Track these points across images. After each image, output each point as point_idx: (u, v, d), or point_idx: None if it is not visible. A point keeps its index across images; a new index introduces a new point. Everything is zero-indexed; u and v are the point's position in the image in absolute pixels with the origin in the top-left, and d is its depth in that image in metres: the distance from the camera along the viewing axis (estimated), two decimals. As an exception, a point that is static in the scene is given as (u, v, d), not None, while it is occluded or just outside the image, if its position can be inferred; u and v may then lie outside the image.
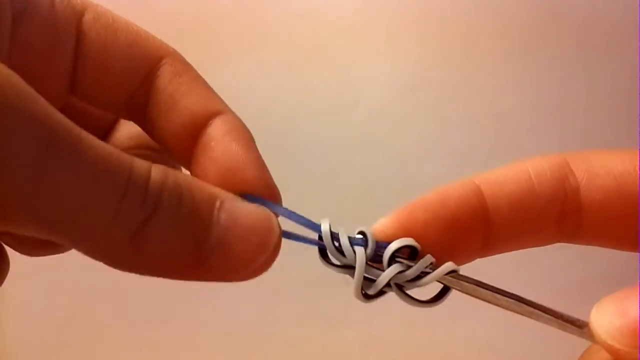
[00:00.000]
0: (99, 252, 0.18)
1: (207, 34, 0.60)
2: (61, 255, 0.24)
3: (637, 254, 0.21)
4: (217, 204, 0.19)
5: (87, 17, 0.22)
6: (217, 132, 0.22)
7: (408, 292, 0.21)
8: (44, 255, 0.24)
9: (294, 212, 0.21)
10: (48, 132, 0.16)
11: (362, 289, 0.21)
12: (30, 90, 0.16)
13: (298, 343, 0.60)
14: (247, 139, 0.22)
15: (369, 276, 0.21)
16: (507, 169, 0.22)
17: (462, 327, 0.60)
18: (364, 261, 0.20)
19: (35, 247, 0.23)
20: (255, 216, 0.19)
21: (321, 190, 0.57)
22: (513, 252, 0.22)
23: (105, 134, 0.25)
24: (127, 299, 0.60)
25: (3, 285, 0.22)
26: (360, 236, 0.21)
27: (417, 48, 0.61)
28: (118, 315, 0.61)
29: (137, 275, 0.20)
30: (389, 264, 0.20)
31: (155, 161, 0.19)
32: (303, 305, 0.58)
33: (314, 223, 0.21)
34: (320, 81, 0.60)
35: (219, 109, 0.22)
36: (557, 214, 0.21)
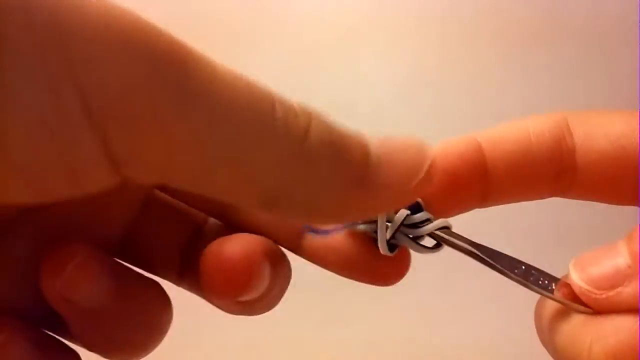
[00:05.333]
0: (270, 187, 0.16)
1: (207, 35, 0.60)
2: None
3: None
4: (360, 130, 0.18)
5: None
6: None
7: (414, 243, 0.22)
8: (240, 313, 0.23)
9: None
10: (175, 40, 0.15)
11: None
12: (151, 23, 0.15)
13: (298, 343, 0.60)
14: None
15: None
16: (509, 126, 0.22)
17: (462, 327, 0.60)
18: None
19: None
20: (400, 136, 0.19)
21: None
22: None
23: None
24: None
25: None
26: None
27: (417, 48, 0.61)
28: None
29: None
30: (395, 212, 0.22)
31: None
32: (303, 305, 0.58)
33: None
34: (320, 81, 0.60)
35: None
36: (552, 173, 0.22)
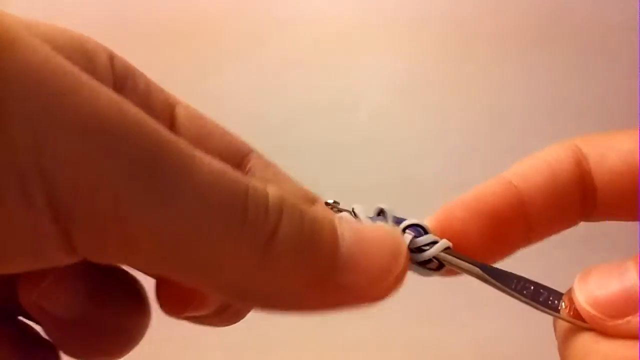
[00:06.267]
0: (226, 280, 0.17)
1: (207, 35, 0.60)
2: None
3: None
4: (337, 221, 0.18)
5: (180, 108, 0.23)
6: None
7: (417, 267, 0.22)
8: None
9: None
10: (157, 138, 0.16)
11: None
12: (138, 111, 0.16)
13: (298, 342, 0.60)
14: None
15: None
16: (530, 161, 0.23)
17: (462, 327, 0.60)
18: None
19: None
20: (379, 228, 0.19)
21: (321, 190, 0.57)
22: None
23: None
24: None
25: None
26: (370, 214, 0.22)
27: (417, 49, 0.61)
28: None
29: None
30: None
31: None
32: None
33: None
34: (320, 81, 0.60)
35: (314, 197, 0.24)
36: (578, 197, 0.22)
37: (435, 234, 0.21)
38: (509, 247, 0.23)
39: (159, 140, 0.16)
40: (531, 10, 0.60)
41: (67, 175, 0.15)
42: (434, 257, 0.21)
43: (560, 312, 0.20)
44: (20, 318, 0.22)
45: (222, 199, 0.16)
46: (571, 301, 0.20)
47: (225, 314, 0.22)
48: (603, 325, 0.19)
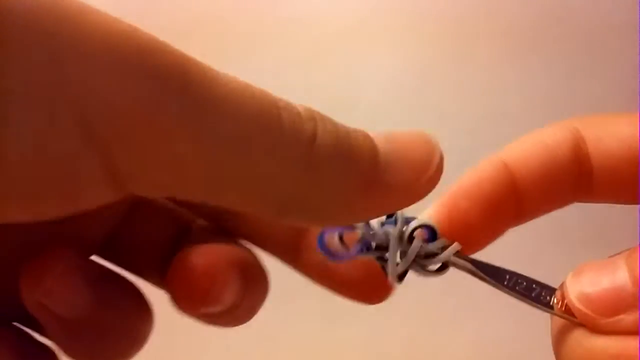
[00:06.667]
0: (279, 196, 0.16)
1: (207, 35, 0.60)
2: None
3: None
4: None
5: None
6: None
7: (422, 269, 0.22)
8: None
9: None
10: (181, 56, 0.15)
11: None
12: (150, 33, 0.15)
13: (298, 342, 0.60)
14: None
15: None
16: (526, 142, 0.23)
17: (462, 327, 0.60)
18: (397, 238, 0.21)
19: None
20: (408, 131, 0.19)
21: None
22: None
23: None
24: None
25: None
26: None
27: (417, 48, 0.61)
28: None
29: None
30: (409, 240, 0.21)
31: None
32: (303, 304, 0.58)
33: None
34: (320, 81, 0.60)
35: None
36: (573, 180, 0.22)
37: (442, 234, 0.21)
38: (499, 229, 0.23)
39: (182, 56, 0.15)
40: (531, 10, 0.60)
41: (97, 95, 0.14)
42: (449, 262, 0.21)
43: (553, 308, 0.20)
44: (16, 324, 0.22)
45: (256, 108, 0.16)
46: (564, 297, 0.20)
47: (237, 312, 0.21)
48: (594, 322, 0.19)
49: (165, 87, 0.15)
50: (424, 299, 0.58)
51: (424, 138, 0.19)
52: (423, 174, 0.18)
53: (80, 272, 0.20)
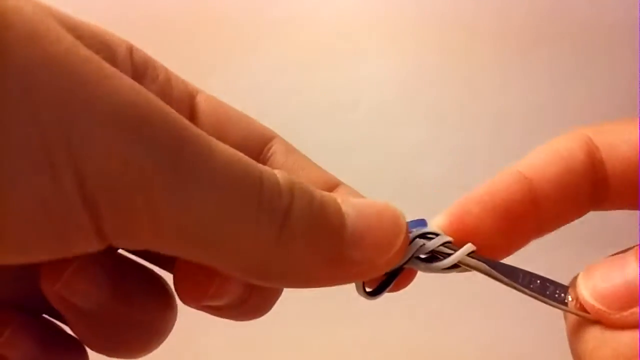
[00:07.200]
0: (245, 260, 0.18)
1: (207, 35, 0.60)
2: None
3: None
4: (339, 200, 0.19)
5: (201, 97, 0.23)
6: None
7: (429, 264, 0.22)
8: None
9: None
10: (180, 124, 0.16)
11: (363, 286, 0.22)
12: (158, 100, 0.16)
13: (298, 343, 0.60)
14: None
15: None
16: (541, 152, 0.23)
17: (462, 327, 0.60)
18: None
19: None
20: (378, 204, 0.20)
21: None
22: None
23: None
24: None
25: None
26: None
27: (417, 48, 0.61)
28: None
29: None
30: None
31: None
32: (303, 305, 0.58)
33: None
34: (320, 81, 0.60)
35: (336, 182, 0.24)
36: (590, 188, 0.22)
37: (452, 237, 0.21)
38: (520, 240, 0.23)
39: (181, 126, 0.16)
40: (531, 10, 0.60)
41: (95, 158, 0.15)
42: (460, 262, 0.21)
43: (568, 305, 0.20)
44: (45, 316, 0.22)
45: (240, 181, 0.17)
46: (577, 295, 0.20)
47: (244, 307, 0.22)
48: (608, 318, 0.19)
49: (159, 154, 0.16)
50: (423, 299, 0.58)
51: (392, 217, 0.20)
52: (385, 254, 0.20)
53: (99, 264, 0.20)
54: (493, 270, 0.21)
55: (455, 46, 0.61)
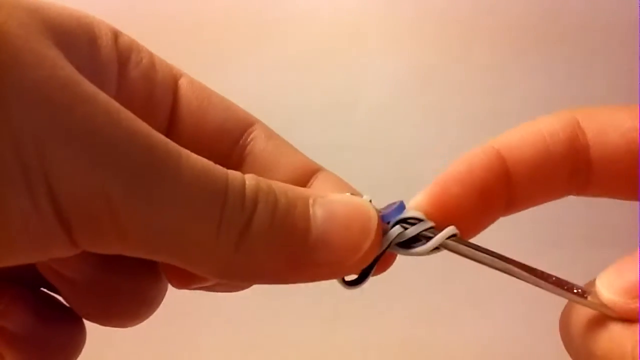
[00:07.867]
0: (207, 265, 0.19)
1: (207, 34, 0.60)
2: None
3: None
4: (311, 200, 0.19)
5: (184, 80, 0.24)
6: (323, 188, 0.23)
7: (410, 250, 0.21)
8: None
9: None
10: (147, 145, 0.17)
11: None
12: (128, 112, 0.17)
13: (298, 343, 0.60)
14: (352, 190, 0.23)
15: None
16: (522, 130, 0.22)
17: (462, 327, 0.60)
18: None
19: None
20: (351, 204, 0.20)
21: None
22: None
23: None
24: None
25: None
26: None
27: (417, 48, 0.61)
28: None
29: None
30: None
31: None
32: (303, 304, 0.58)
33: None
34: (320, 81, 0.60)
35: (316, 167, 0.24)
36: (569, 171, 0.22)
37: (432, 219, 0.21)
38: (488, 219, 0.22)
39: (149, 146, 0.17)
40: (531, 10, 0.60)
41: (67, 183, 0.16)
42: (440, 245, 0.21)
43: (588, 299, 0.20)
44: (43, 290, 0.23)
45: (203, 196, 0.18)
46: (593, 292, 0.20)
47: (234, 282, 0.22)
48: (628, 309, 0.19)
49: (125, 177, 0.17)
50: (423, 299, 0.58)
51: (362, 219, 0.20)
52: (352, 256, 0.20)
53: None
54: (477, 252, 0.20)
55: (455, 46, 0.61)
